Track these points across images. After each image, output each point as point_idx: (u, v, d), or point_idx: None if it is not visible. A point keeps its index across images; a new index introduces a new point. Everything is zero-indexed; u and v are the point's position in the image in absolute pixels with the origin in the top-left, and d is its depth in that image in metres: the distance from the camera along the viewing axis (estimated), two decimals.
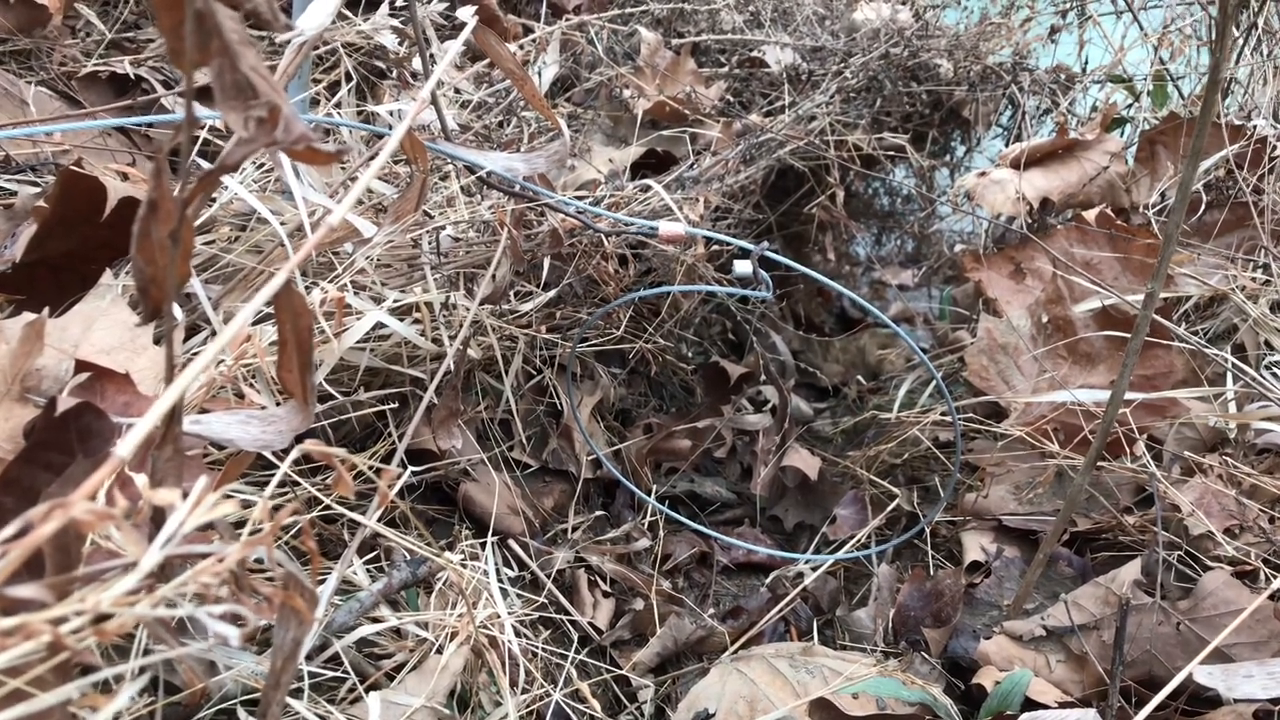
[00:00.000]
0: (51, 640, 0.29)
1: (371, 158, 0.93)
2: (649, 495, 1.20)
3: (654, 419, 1.35)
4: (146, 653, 0.56)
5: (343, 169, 0.97)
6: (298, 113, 0.40)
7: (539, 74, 1.37)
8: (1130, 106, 1.57)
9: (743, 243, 0.91)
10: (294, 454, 0.44)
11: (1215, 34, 0.72)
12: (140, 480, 0.54)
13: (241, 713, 0.63)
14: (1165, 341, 1.09)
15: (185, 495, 0.37)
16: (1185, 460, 1.05)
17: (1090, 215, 1.27)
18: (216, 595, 0.39)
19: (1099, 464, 1.03)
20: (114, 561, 0.42)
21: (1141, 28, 1.57)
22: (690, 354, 1.47)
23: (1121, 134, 1.51)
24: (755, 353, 1.45)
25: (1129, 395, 1.03)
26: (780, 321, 1.77)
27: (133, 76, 1.22)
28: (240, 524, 0.65)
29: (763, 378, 1.44)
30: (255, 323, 0.80)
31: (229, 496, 0.37)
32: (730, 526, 1.29)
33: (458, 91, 1.29)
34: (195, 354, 0.76)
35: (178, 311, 0.74)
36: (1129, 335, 0.82)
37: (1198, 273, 1.20)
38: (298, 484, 0.79)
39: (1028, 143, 1.39)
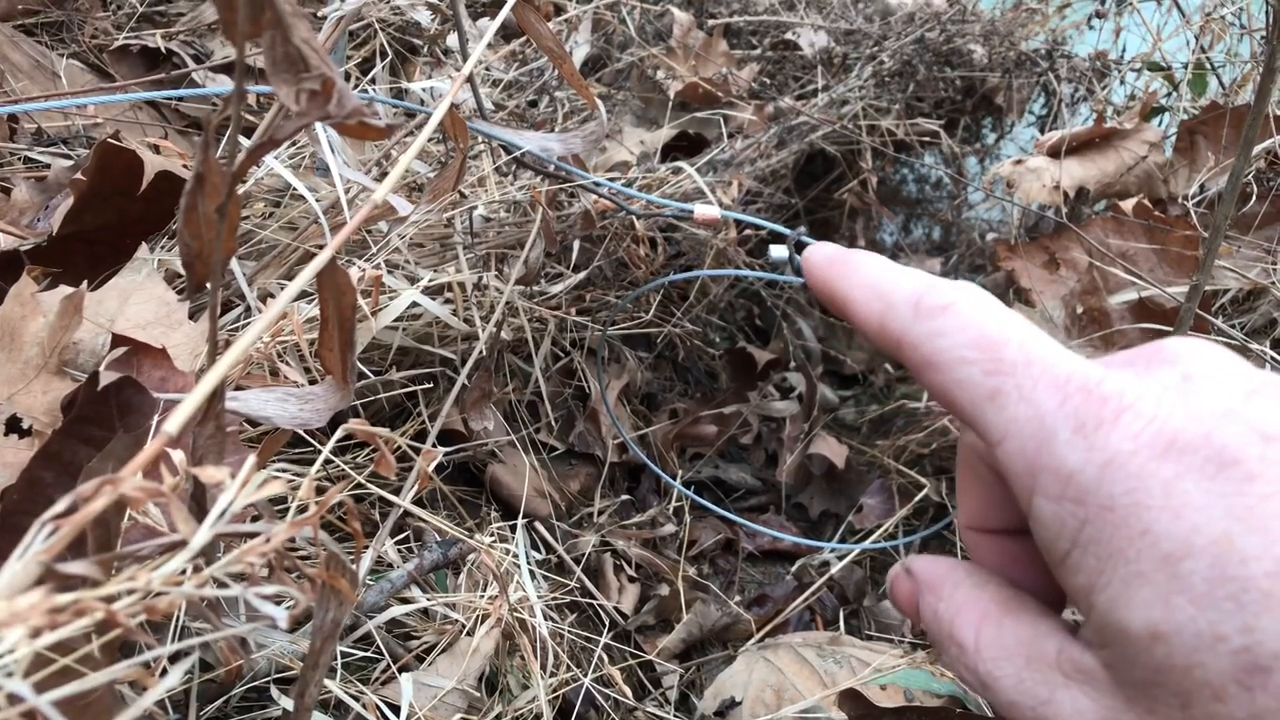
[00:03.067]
0: (104, 618, 0.29)
1: (409, 135, 0.93)
2: (675, 480, 1.20)
3: (680, 404, 1.35)
4: (183, 631, 0.56)
5: (377, 147, 0.96)
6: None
7: (571, 53, 1.36)
8: (1169, 95, 1.54)
9: (778, 227, 0.90)
10: (339, 433, 0.44)
11: (1272, 21, 0.70)
12: (179, 457, 0.54)
13: (274, 690, 0.62)
14: (1203, 335, 1.08)
15: (231, 474, 0.36)
16: None
17: (1127, 205, 1.25)
18: (260, 575, 0.38)
19: None
20: (156, 539, 0.42)
21: (1183, 13, 1.54)
22: (717, 339, 1.46)
23: (1160, 123, 1.49)
24: (783, 338, 1.44)
25: None
26: (807, 306, 1.76)
27: (164, 50, 1.22)
28: (276, 502, 0.65)
29: (791, 364, 1.43)
30: (294, 300, 0.80)
31: (275, 476, 0.36)
32: (755, 513, 1.28)
33: (489, 69, 1.28)
34: (232, 330, 0.76)
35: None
36: (1166, 328, 0.80)
37: (1237, 265, 1.18)
38: (330, 462, 0.78)
39: (1066, 130, 1.37)
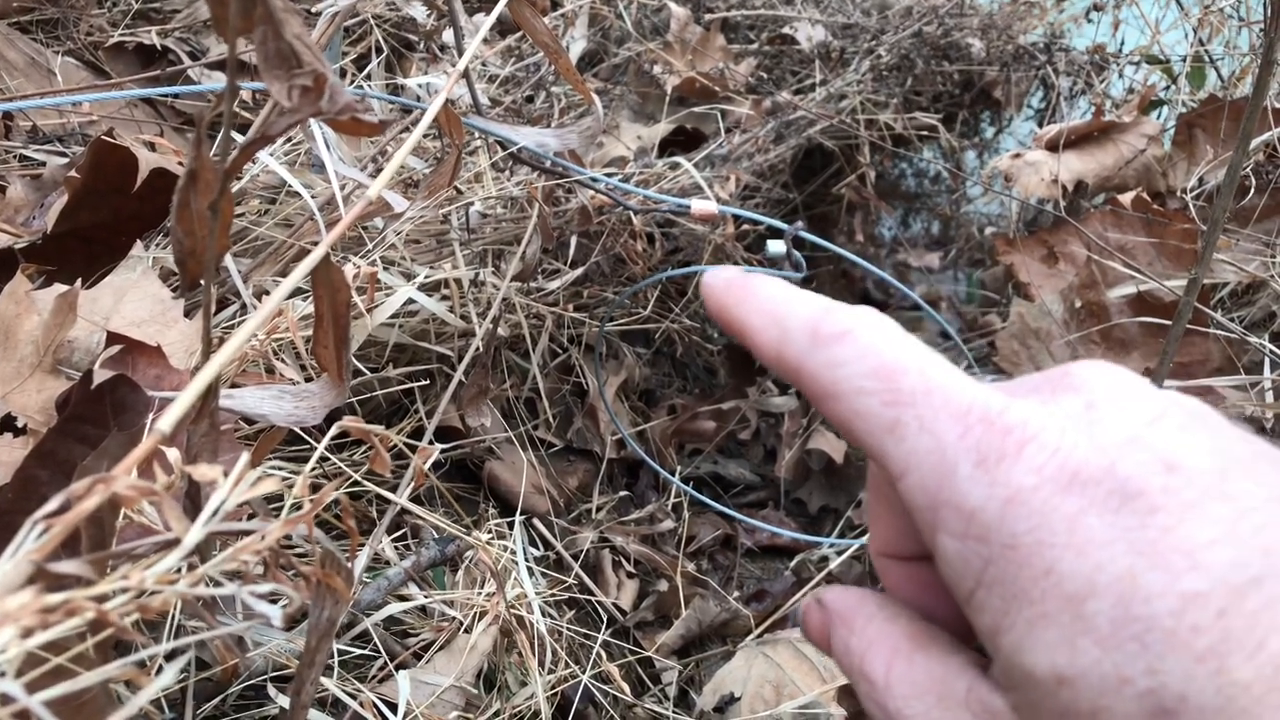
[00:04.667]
0: (95, 617, 0.29)
1: (404, 131, 0.92)
2: (673, 476, 1.20)
3: (678, 400, 1.34)
4: (179, 630, 0.56)
5: (372, 143, 0.96)
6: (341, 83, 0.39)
7: (567, 48, 1.35)
8: (1167, 88, 1.54)
9: (776, 222, 0.90)
10: (333, 431, 0.44)
11: (1270, 13, 0.70)
12: (173, 455, 0.54)
13: (271, 689, 0.62)
14: (1202, 328, 1.08)
15: (225, 472, 0.36)
16: None
17: (1125, 199, 1.25)
18: (254, 573, 0.38)
19: None
20: (149, 538, 0.41)
21: (1181, 6, 1.54)
22: (715, 334, 1.46)
23: (1158, 116, 1.49)
24: None
25: (1165, 382, 1.01)
26: None
27: (159, 47, 1.21)
28: (271, 500, 0.65)
29: None
30: (288, 297, 0.80)
31: (269, 474, 0.36)
32: (754, 509, 1.28)
33: (484, 65, 1.28)
34: (227, 328, 0.76)
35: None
36: (1164, 321, 0.80)
37: (1235, 258, 1.18)
38: (326, 459, 0.78)
39: (1065, 124, 1.37)
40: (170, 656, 0.54)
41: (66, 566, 0.31)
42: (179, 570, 0.35)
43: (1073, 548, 0.24)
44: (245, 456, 0.36)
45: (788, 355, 0.30)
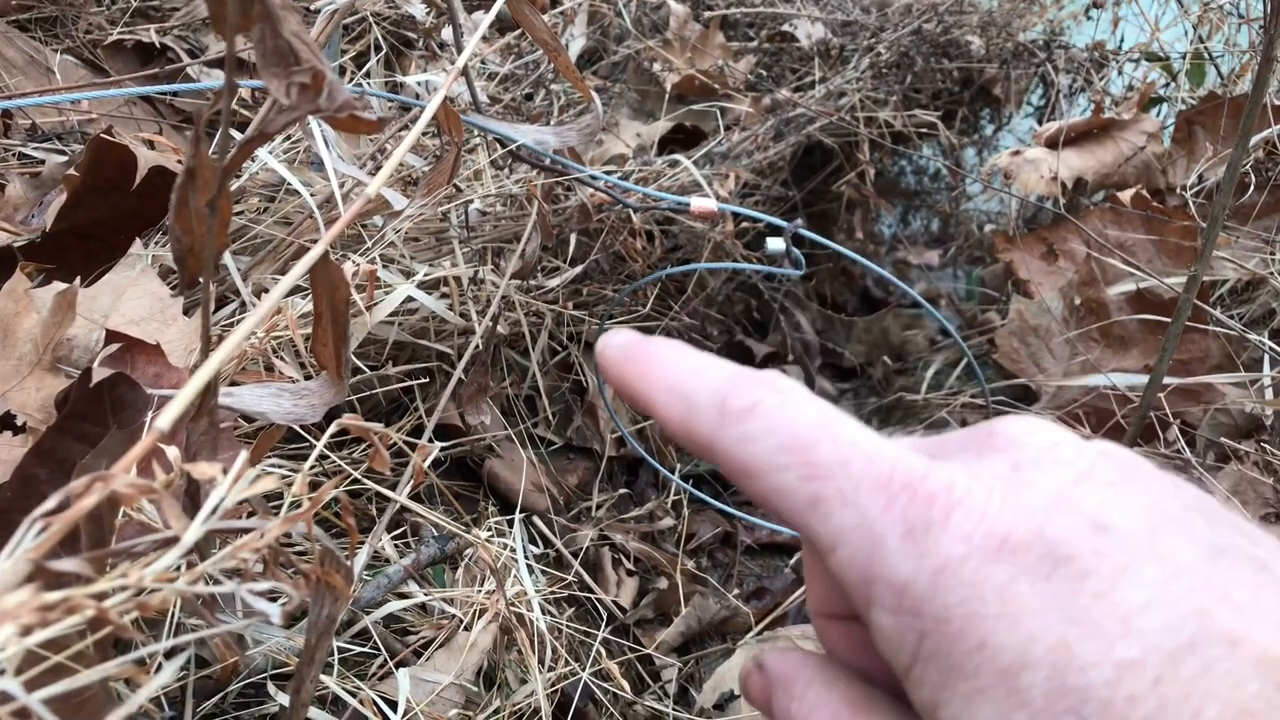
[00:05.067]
0: (95, 615, 0.29)
1: (404, 129, 0.92)
2: (673, 474, 1.20)
3: None
4: (179, 628, 0.56)
5: (371, 141, 0.96)
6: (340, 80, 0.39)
7: (566, 46, 1.35)
8: (1167, 86, 1.54)
9: (775, 219, 0.90)
10: (332, 429, 0.44)
11: (1269, 10, 0.69)
12: (172, 453, 0.54)
13: (271, 686, 0.62)
14: (1201, 325, 1.08)
15: (224, 470, 0.36)
16: (1220, 446, 1.04)
17: (1125, 196, 1.25)
18: (254, 571, 0.38)
19: (1133, 449, 1.02)
20: (149, 535, 0.41)
21: (1181, 3, 1.54)
22: (715, 333, 1.46)
23: (1158, 114, 1.48)
24: (781, 332, 1.44)
25: (1164, 380, 1.01)
26: (805, 300, 1.75)
27: (158, 45, 1.21)
28: (271, 498, 0.65)
29: (789, 357, 1.43)
30: (287, 295, 0.80)
31: (269, 472, 0.36)
32: (753, 506, 1.28)
33: (484, 63, 1.28)
34: (226, 326, 0.76)
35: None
36: (1164, 319, 0.80)
37: (1235, 256, 1.18)
38: (326, 458, 0.78)
39: (1064, 121, 1.37)
40: (170, 654, 0.54)
41: (66, 564, 0.31)
42: (178, 568, 0.35)
43: (1005, 618, 0.23)
44: (244, 454, 0.36)
45: (697, 433, 0.28)
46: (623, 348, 0.31)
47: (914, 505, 0.25)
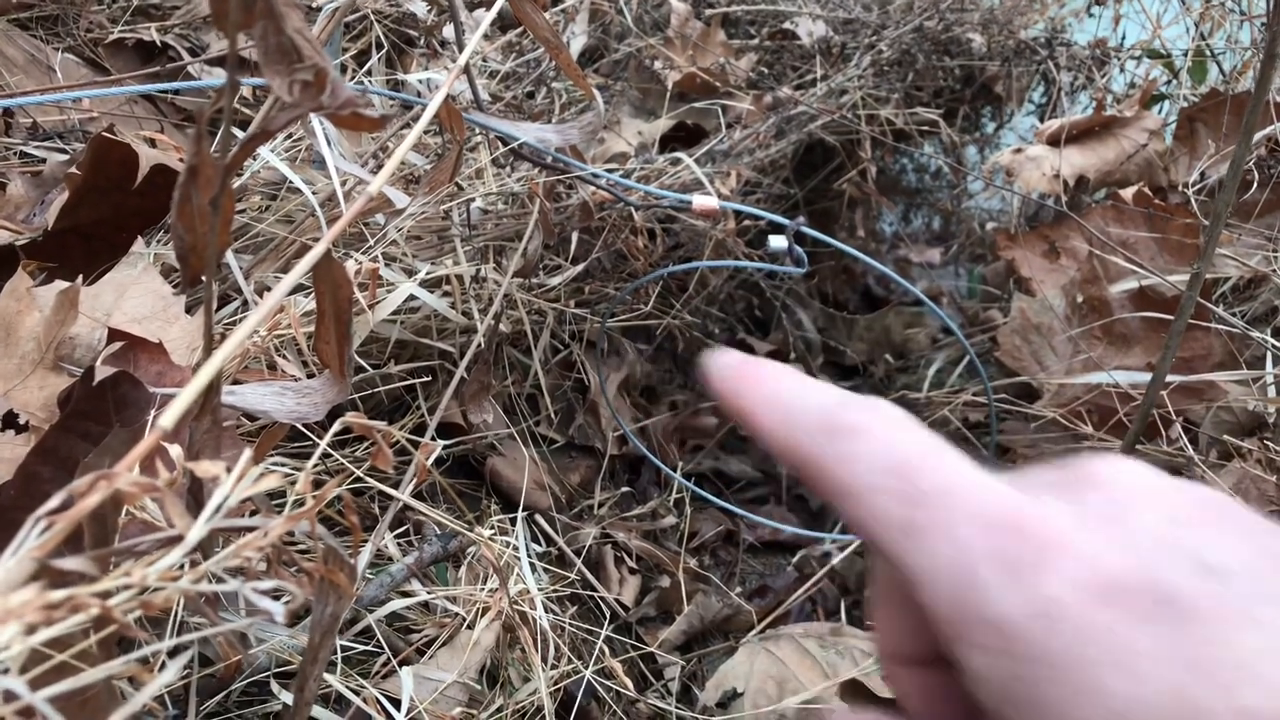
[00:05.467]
0: (99, 613, 0.29)
1: (405, 127, 0.92)
2: (675, 472, 1.20)
3: (680, 396, 1.34)
4: (182, 626, 0.56)
5: (373, 139, 0.96)
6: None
7: (568, 44, 1.35)
8: (1169, 83, 1.54)
9: (777, 217, 0.90)
10: (335, 427, 0.43)
11: (1272, 6, 0.69)
12: (175, 452, 0.54)
13: (274, 685, 0.62)
14: (1204, 323, 1.07)
15: (227, 468, 0.36)
16: (1223, 444, 1.04)
17: (1127, 194, 1.25)
18: (257, 570, 0.38)
19: (1135, 447, 1.02)
20: (152, 534, 0.41)
21: (1183, 0, 1.53)
22: (716, 331, 1.46)
23: (1160, 111, 1.48)
24: (782, 330, 1.44)
25: (1167, 377, 1.01)
26: (806, 298, 1.75)
27: (159, 44, 1.21)
28: (274, 496, 0.65)
29: (791, 355, 1.43)
30: (290, 293, 0.80)
31: (272, 470, 0.36)
32: (756, 505, 1.28)
33: (485, 61, 1.27)
34: (229, 325, 0.76)
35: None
36: (1166, 316, 0.80)
37: (1238, 253, 1.18)
38: (329, 456, 0.78)
39: (1066, 118, 1.37)
40: (173, 653, 0.54)
41: (69, 563, 0.31)
42: (182, 567, 0.35)
43: (1114, 664, 0.22)
44: (248, 453, 0.36)
45: (798, 448, 0.28)
46: (732, 365, 0.31)
47: (1017, 542, 0.24)
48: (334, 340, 0.51)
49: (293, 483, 0.42)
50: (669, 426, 1.27)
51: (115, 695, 0.43)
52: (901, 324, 1.78)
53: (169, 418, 0.34)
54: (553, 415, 1.12)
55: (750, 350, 1.40)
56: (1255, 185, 1.25)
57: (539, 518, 1.03)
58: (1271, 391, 1.06)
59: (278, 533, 0.37)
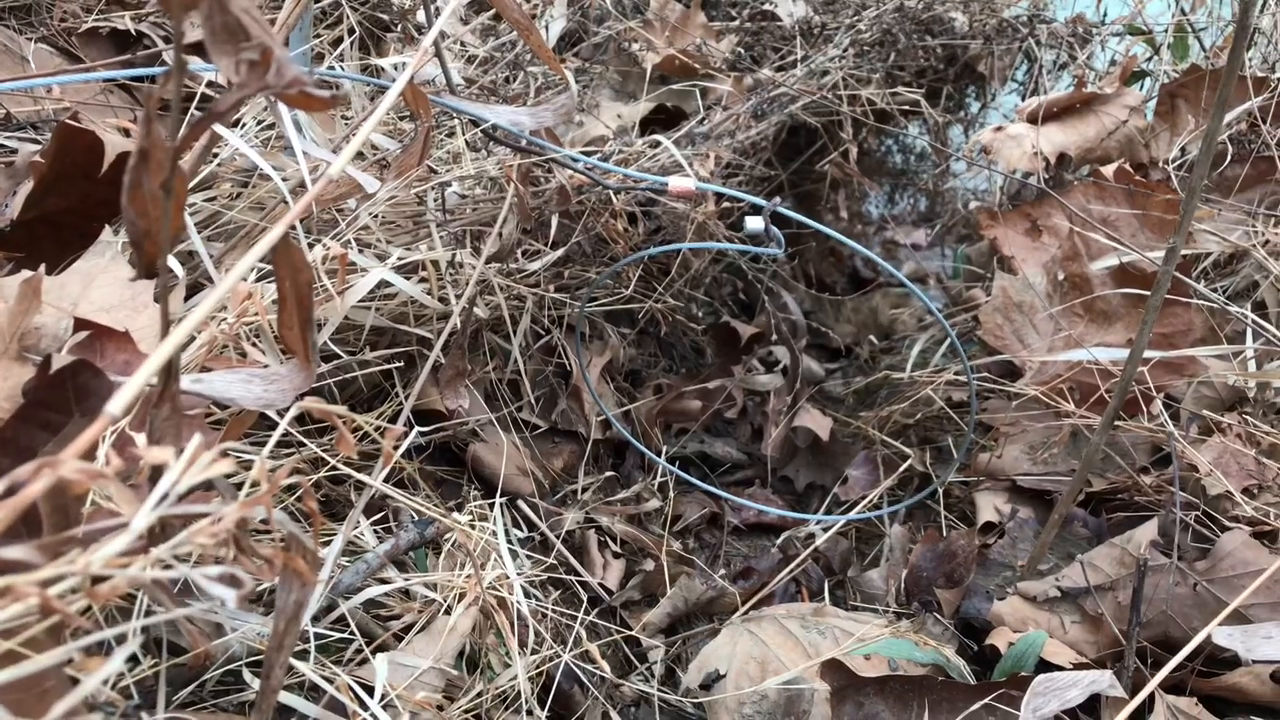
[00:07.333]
0: (40, 602, 0.28)
1: (373, 110, 0.91)
2: (659, 456, 1.19)
3: (664, 379, 1.34)
4: (148, 614, 0.56)
5: (346, 123, 0.95)
6: (291, 59, 0.39)
7: (546, 28, 1.34)
8: (1150, 59, 1.53)
9: (754, 199, 0.89)
10: (292, 412, 0.43)
11: None
12: (140, 440, 0.53)
13: (247, 674, 0.62)
14: (1184, 299, 1.07)
15: (177, 454, 0.35)
16: (1203, 419, 1.04)
17: (1108, 171, 1.24)
18: (216, 557, 0.38)
19: (1115, 423, 1.02)
20: (111, 522, 0.41)
21: None
22: (700, 314, 1.46)
23: (1141, 87, 1.48)
24: (766, 312, 1.44)
25: (1146, 353, 1.01)
26: (792, 281, 1.75)
27: (133, 32, 1.20)
28: (243, 485, 0.65)
29: (774, 337, 1.43)
30: (259, 280, 0.79)
31: (226, 455, 0.36)
32: (741, 487, 1.28)
33: (462, 45, 1.26)
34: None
35: (176, 267, 0.72)
36: (1147, 293, 0.80)
37: (1218, 228, 1.17)
38: (304, 444, 0.78)
39: (1045, 97, 1.36)
40: (120, 640, 0.53)
41: (11, 551, 0.30)
42: (137, 554, 0.34)
43: None
44: (198, 438, 0.36)
45: None
46: None
47: None
48: (297, 325, 0.50)
49: (249, 469, 0.41)
50: (653, 410, 1.26)
51: (70, 685, 0.43)
52: (888, 305, 1.78)
53: (118, 404, 0.34)
54: (534, 401, 1.12)
55: (734, 333, 1.39)
56: (1234, 160, 1.24)
57: (522, 503, 1.03)
58: (1252, 366, 1.06)
59: (232, 518, 0.37)
